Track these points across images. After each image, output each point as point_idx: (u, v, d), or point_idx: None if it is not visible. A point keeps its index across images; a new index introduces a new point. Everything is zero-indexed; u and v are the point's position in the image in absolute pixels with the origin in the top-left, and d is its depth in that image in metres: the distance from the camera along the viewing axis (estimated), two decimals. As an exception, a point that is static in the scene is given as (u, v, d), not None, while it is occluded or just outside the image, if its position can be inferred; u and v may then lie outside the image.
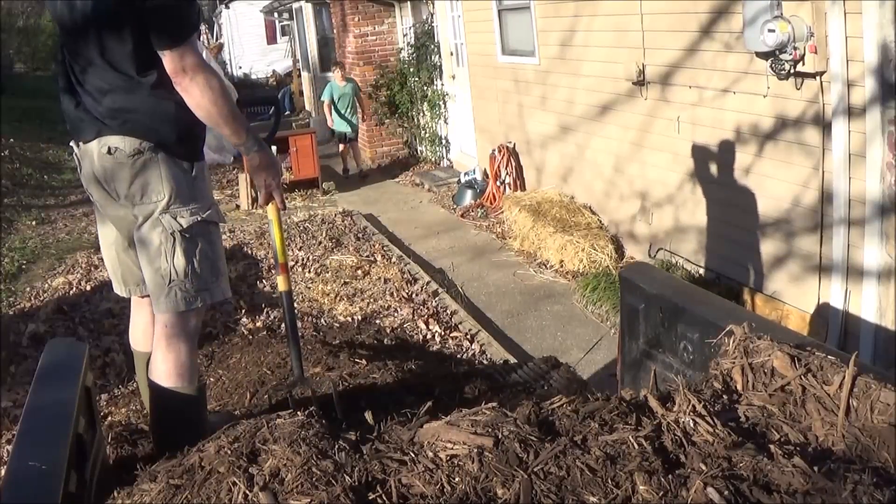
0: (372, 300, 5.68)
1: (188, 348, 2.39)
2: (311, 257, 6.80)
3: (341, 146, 11.52)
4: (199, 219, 2.35)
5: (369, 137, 12.01)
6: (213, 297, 2.43)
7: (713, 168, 5.40)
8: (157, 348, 2.38)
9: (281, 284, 2.85)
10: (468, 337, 5.05)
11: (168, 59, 2.17)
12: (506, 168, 8.41)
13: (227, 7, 24.07)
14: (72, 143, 2.41)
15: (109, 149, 2.26)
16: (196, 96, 2.21)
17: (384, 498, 1.46)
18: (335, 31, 12.96)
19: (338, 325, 5.18)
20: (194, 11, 2.23)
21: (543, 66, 7.53)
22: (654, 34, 5.64)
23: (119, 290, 2.65)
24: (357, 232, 7.83)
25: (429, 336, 5.03)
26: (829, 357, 1.78)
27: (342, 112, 11.07)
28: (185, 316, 2.37)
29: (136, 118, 2.25)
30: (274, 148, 10.33)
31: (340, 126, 11.24)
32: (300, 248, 7.17)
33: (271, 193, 2.55)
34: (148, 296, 2.48)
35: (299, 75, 18.13)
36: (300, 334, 4.64)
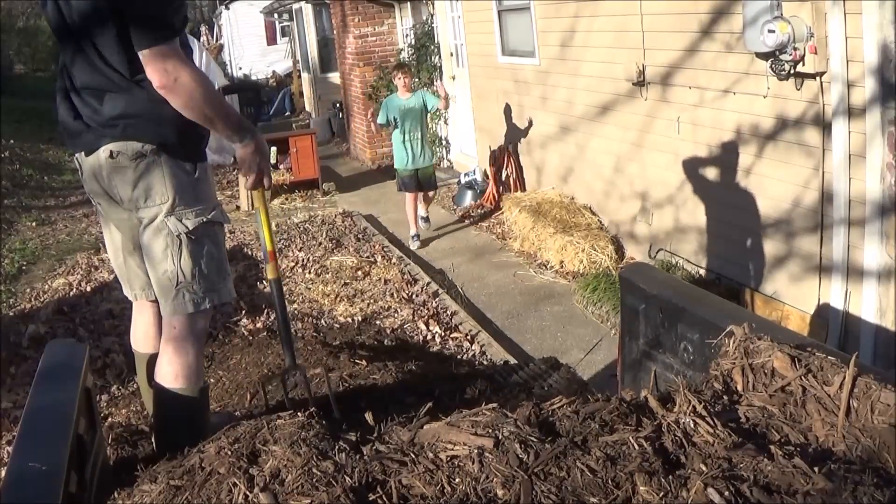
0: (372, 301, 5.68)
1: (196, 350, 2.39)
2: (311, 258, 6.80)
3: (408, 196, 7.57)
4: (204, 220, 2.34)
5: (369, 138, 12.01)
6: (221, 298, 2.43)
7: (713, 168, 5.40)
8: (164, 350, 2.38)
9: (270, 272, 2.80)
10: (468, 338, 5.05)
11: (147, 61, 2.13)
12: (506, 168, 8.40)
13: (227, 8, 24.07)
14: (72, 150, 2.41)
15: (111, 153, 2.25)
16: (182, 98, 2.17)
17: (384, 499, 1.46)
18: (335, 31, 12.96)
19: (338, 325, 5.18)
20: (176, 13, 2.18)
21: (543, 66, 7.53)
22: (655, 35, 5.64)
23: (128, 293, 2.66)
24: (357, 233, 7.83)
25: (429, 337, 5.03)
26: (829, 357, 1.78)
27: (407, 139, 7.38)
28: (194, 318, 2.37)
29: (137, 122, 2.23)
30: (273, 149, 10.25)
31: (404, 162, 7.45)
32: (300, 248, 7.16)
33: (261, 178, 2.49)
34: (155, 300, 2.48)
35: (299, 76, 18.14)
36: (295, 333, 4.66)
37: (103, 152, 2.26)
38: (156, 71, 2.13)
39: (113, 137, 2.24)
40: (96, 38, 2.18)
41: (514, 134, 8.41)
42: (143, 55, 2.13)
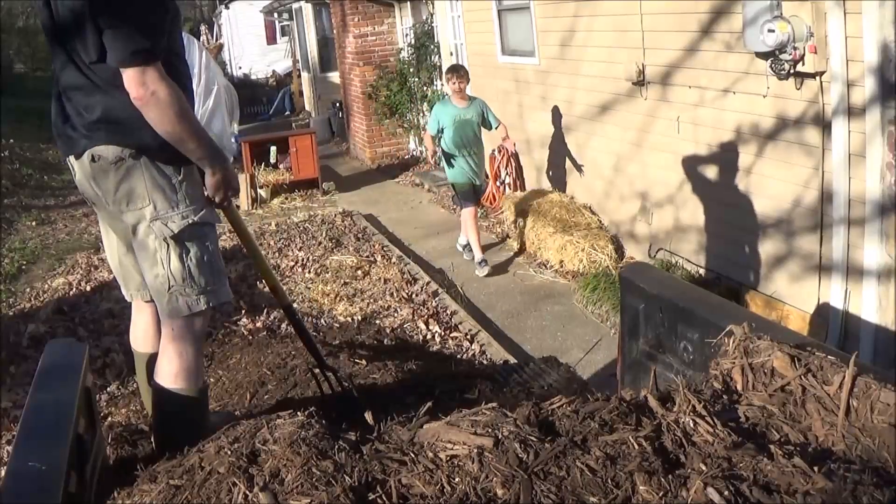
0: (372, 300, 5.68)
1: (195, 350, 2.39)
2: (310, 258, 6.80)
3: (467, 211, 6.72)
4: (190, 222, 2.33)
5: (369, 137, 12.01)
6: (218, 298, 2.42)
7: (713, 168, 5.40)
8: (163, 351, 2.38)
9: (280, 301, 3.04)
10: (468, 337, 5.05)
11: (125, 73, 2.12)
12: (506, 168, 8.40)
13: (227, 7, 24.07)
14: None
15: (93, 156, 2.26)
16: (155, 113, 2.16)
17: (384, 498, 1.46)
18: (335, 31, 12.96)
19: (338, 325, 5.18)
20: (150, 37, 2.13)
21: (543, 66, 7.53)
22: (655, 34, 5.63)
23: (125, 293, 2.66)
24: (357, 232, 7.83)
25: (429, 336, 5.03)
26: (829, 357, 1.78)
27: (466, 153, 6.57)
28: (191, 319, 2.37)
29: (118, 127, 2.23)
30: (273, 149, 10.22)
31: (463, 175, 6.61)
32: (300, 248, 7.16)
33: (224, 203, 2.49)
34: (152, 300, 2.48)
35: (299, 75, 18.14)
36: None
37: (87, 156, 2.27)
38: (134, 83, 2.12)
39: (96, 141, 2.25)
40: (80, 39, 2.18)
41: (514, 133, 8.38)
42: (122, 70, 2.12)
